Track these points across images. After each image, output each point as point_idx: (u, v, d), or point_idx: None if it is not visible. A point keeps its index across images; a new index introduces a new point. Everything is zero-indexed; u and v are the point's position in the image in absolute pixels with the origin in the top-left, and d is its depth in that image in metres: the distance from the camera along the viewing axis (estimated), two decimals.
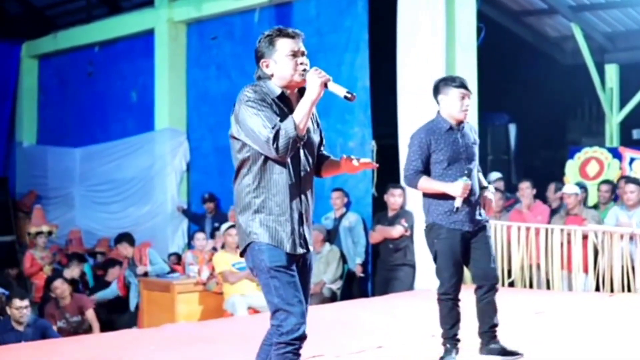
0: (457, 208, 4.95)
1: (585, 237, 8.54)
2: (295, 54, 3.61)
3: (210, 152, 12.04)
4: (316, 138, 3.78)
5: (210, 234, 10.63)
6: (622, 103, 12.43)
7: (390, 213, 9.16)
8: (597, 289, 8.45)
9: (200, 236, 10.13)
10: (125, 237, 10.22)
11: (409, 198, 9.12)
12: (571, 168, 11.31)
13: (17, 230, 13.22)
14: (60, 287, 8.80)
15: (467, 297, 5.20)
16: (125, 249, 10.05)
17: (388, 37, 9.36)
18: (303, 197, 3.67)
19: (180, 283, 9.12)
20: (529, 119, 13.20)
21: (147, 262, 9.72)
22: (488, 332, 5.14)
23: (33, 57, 15.01)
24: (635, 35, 12.36)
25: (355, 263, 9.48)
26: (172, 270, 9.91)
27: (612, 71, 12.58)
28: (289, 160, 3.57)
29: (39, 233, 11.76)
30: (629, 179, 9.17)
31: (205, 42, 12.12)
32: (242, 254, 3.70)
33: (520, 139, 13.00)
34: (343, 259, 9.52)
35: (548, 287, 8.72)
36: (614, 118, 12.41)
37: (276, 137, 3.44)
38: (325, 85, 3.55)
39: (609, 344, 5.79)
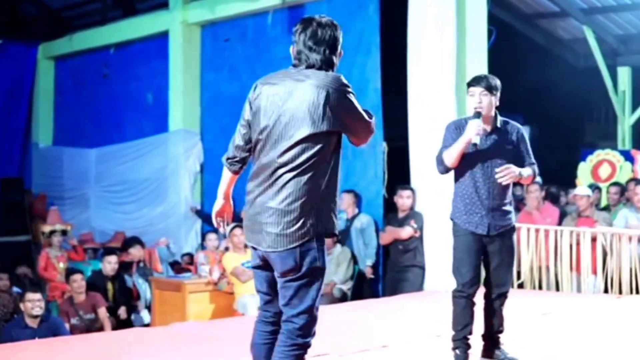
0: (475, 144, 4.86)
1: (594, 239, 8.55)
2: None
3: (223, 154, 12.07)
4: None
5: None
6: (635, 106, 12.43)
7: (400, 214, 9.18)
8: (606, 290, 8.47)
9: (212, 237, 10.19)
10: (136, 240, 10.40)
11: (418, 199, 9.15)
12: (583, 170, 11.31)
13: (32, 230, 13.32)
14: (79, 282, 8.88)
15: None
16: (138, 251, 10.18)
17: (399, 40, 9.39)
18: None
19: (191, 283, 9.17)
20: (543, 121, 13.19)
21: (157, 265, 9.84)
22: (492, 337, 5.10)
23: (49, 58, 15.14)
24: None
25: (366, 264, 9.44)
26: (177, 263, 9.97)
27: (624, 74, 12.60)
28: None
29: (53, 232, 11.83)
30: (638, 181, 9.18)
31: (219, 44, 12.19)
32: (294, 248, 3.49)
33: (535, 141, 12.97)
34: (354, 259, 9.53)
35: (557, 289, 8.73)
36: (626, 120, 12.40)
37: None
38: None
39: (617, 346, 5.80)
